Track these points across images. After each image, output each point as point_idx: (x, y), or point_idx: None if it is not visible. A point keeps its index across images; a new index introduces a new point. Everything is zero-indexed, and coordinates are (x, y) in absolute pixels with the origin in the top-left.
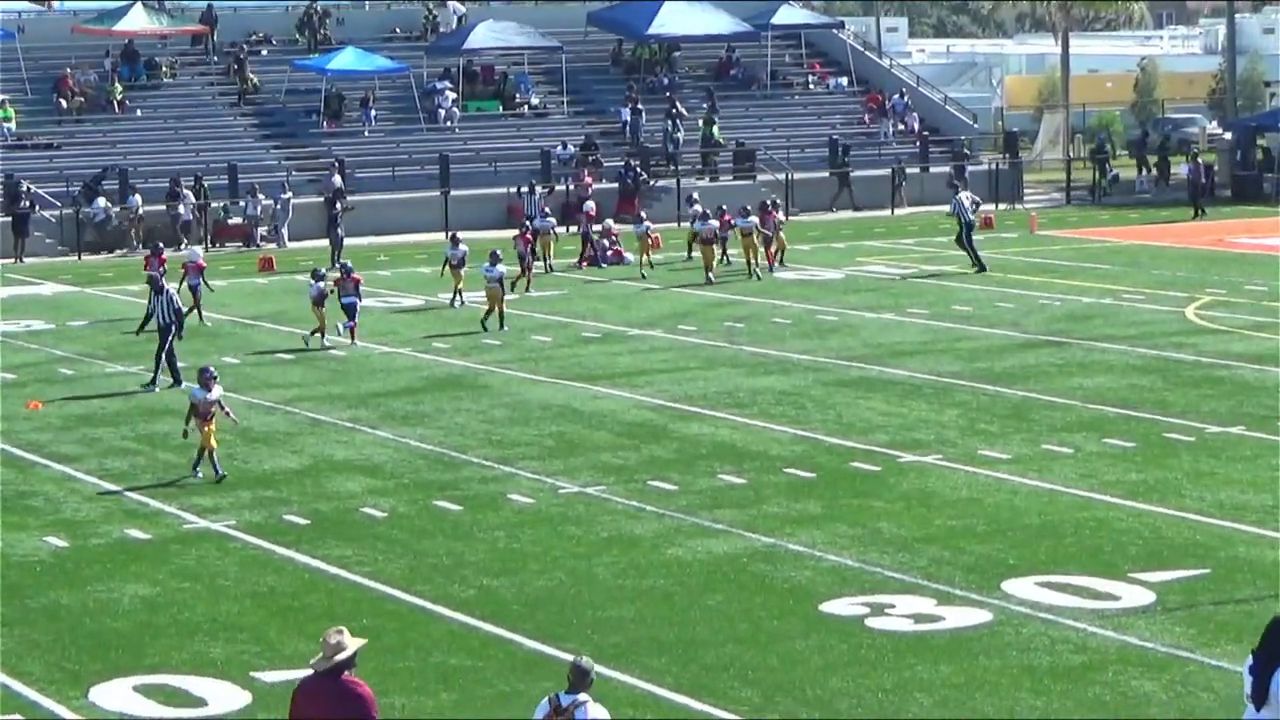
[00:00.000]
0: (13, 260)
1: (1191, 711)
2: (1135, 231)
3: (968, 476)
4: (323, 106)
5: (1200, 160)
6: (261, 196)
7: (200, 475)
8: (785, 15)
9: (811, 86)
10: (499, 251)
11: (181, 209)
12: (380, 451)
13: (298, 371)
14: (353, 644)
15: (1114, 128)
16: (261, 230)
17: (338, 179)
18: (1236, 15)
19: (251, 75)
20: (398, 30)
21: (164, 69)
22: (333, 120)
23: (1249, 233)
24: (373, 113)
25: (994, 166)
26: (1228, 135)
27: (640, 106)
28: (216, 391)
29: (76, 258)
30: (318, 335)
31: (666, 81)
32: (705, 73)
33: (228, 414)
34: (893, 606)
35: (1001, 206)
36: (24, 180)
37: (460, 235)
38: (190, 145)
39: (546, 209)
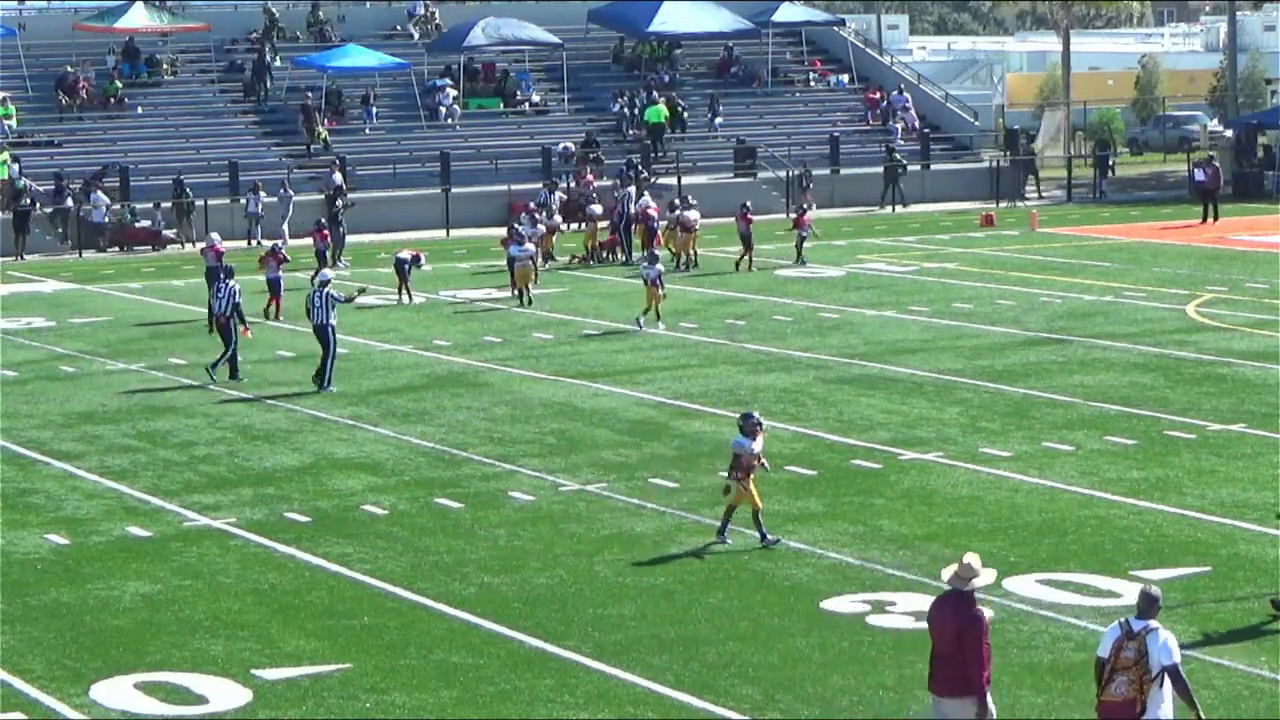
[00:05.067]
0: (14, 258)
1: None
2: (1136, 229)
3: (969, 474)
4: (324, 104)
5: (1217, 163)
6: (263, 194)
7: (729, 541)
8: (786, 13)
9: (812, 84)
10: (523, 232)
11: (90, 209)
12: (381, 449)
13: (299, 369)
14: (985, 575)
15: (1114, 125)
16: (171, 231)
17: (338, 176)
18: (1237, 13)
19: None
20: (399, 28)
21: (165, 66)
22: (334, 117)
23: (1250, 230)
24: (374, 110)
25: (995, 164)
26: (1229, 133)
27: (636, 102)
28: (760, 442)
29: (77, 254)
30: (651, 315)
31: (668, 79)
32: (706, 70)
33: (763, 465)
34: (894, 604)
35: (1002, 204)
36: (24, 177)
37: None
38: (191, 143)
39: (554, 206)
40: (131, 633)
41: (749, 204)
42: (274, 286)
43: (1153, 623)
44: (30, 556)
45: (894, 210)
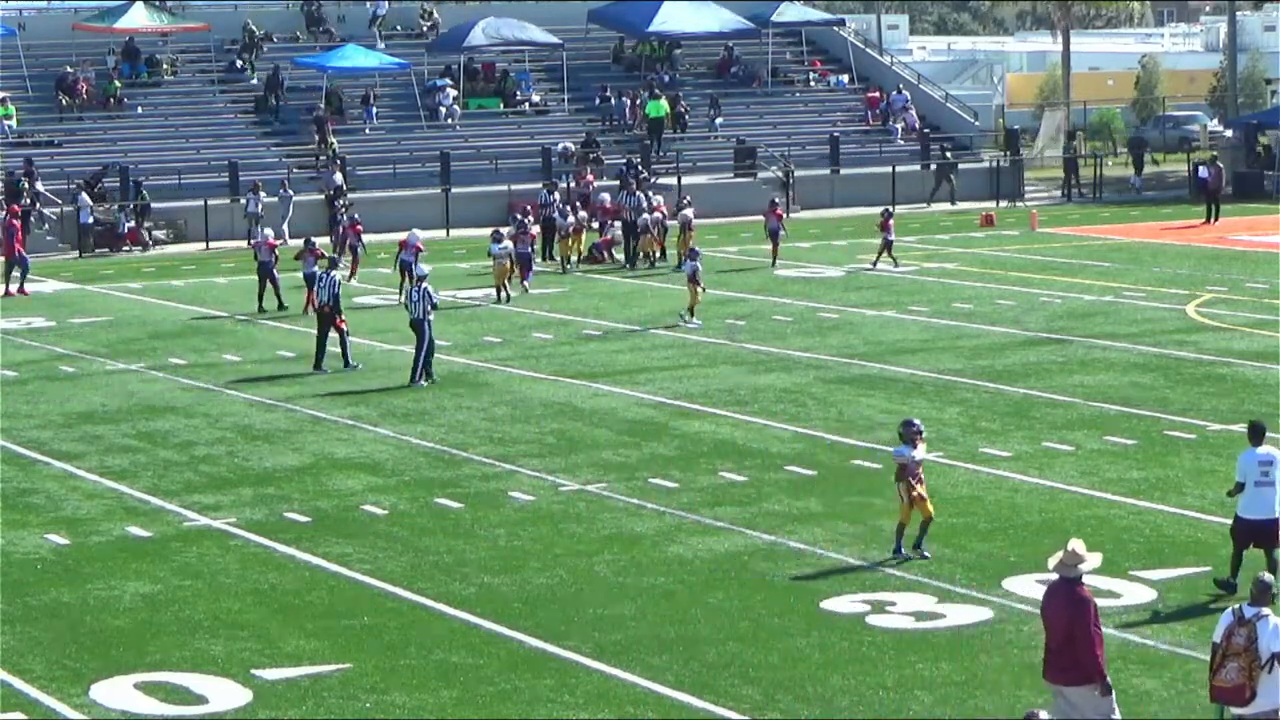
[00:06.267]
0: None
1: (1192, 709)
2: (1136, 229)
3: (969, 474)
4: (324, 103)
5: (1220, 164)
6: (263, 194)
7: (906, 554)
8: (786, 12)
9: (812, 84)
10: (502, 230)
11: (80, 213)
12: (381, 449)
13: (299, 368)
14: (1091, 559)
15: (1114, 125)
16: (162, 232)
17: (339, 176)
18: (1237, 13)
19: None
20: (398, 28)
21: (164, 66)
22: (334, 117)
23: (1250, 230)
24: (374, 110)
25: (995, 164)
26: (1229, 133)
27: (625, 98)
28: (922, 449)
29: (77, 255)
30: (690, 311)
31: (668, 79)
32: (706, 70)
33: (918, 479)
34: (893, 604)
35: (1003, 204)
36: (24, 178)
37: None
38: (191, 143)
39: (567, 207)
40: (131, 633)
41: (778, 199)
42: (310, 281)
43: (1265, 609)
44: (30, 556)
45: (894, 211)
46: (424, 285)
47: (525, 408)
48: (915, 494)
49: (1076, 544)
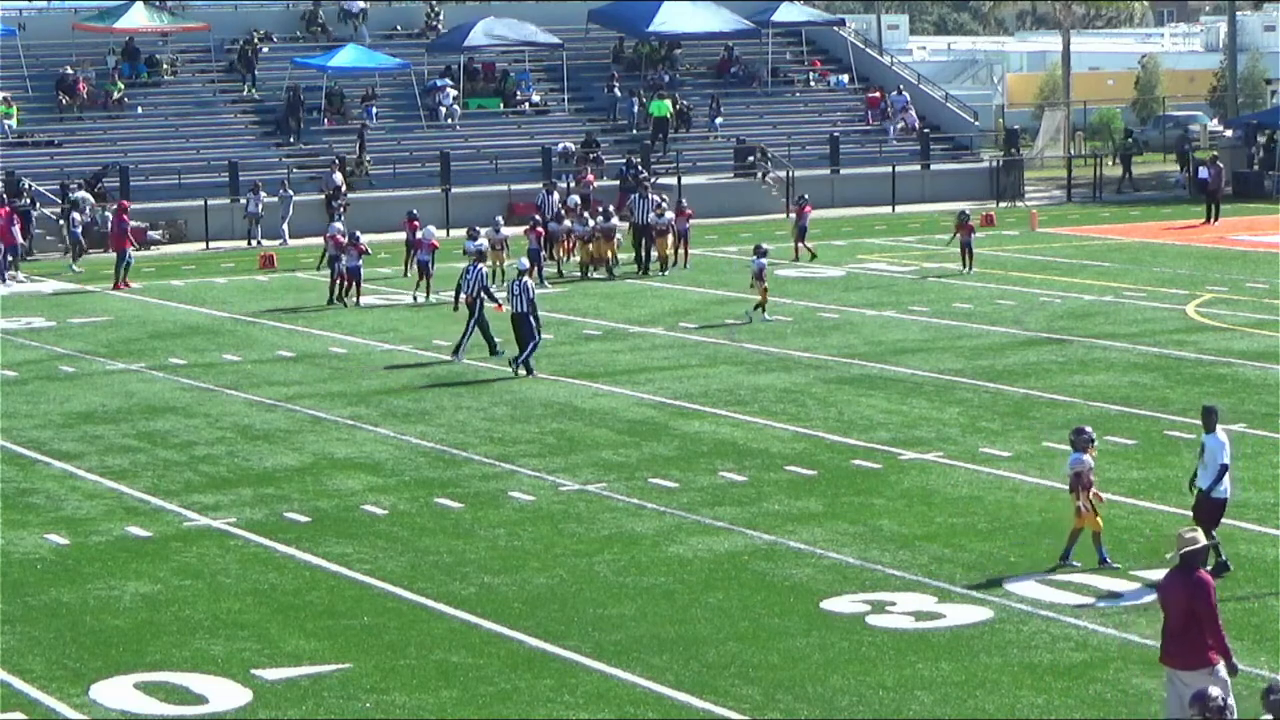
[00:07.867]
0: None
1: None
2: (1136, 229)
3: (969, 474)
4: (324, 103)
5: (1220, 164)
6: (263, 194)
7: (1077, 563)
8: (786, 12)
9: (812, 84)
10: (479, 228)
11: (75, 215)
12: (381, 449)
13: (299, 369)
14: (1200, 537)
15: (1114, 125)
16: (157, 233)
17: (339, 176)
18: (1237, 13)
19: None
20: (399, 28)
21: (165, 67)
22: (334, 117)
23: (1250, 230)
24: (374, 110)
25: (995, 164)
26: (1229, 133)
27: (633, 96)
28: (1090, 458)
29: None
30: (759, 310)
31: (668, 79)
32: (706, 70)
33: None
34: (893, 604)
35: (1002, 204)
36: (24, 178)
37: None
38: (191, 143)
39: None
40: (131, 633)
41: (807, 195)
42: (355, 275)
43: None
44: (30, 556)
45: (894, 211)
46: (523, 279)
47: (525, 407)
48: (1092, 501)
49: (1187, 530)
